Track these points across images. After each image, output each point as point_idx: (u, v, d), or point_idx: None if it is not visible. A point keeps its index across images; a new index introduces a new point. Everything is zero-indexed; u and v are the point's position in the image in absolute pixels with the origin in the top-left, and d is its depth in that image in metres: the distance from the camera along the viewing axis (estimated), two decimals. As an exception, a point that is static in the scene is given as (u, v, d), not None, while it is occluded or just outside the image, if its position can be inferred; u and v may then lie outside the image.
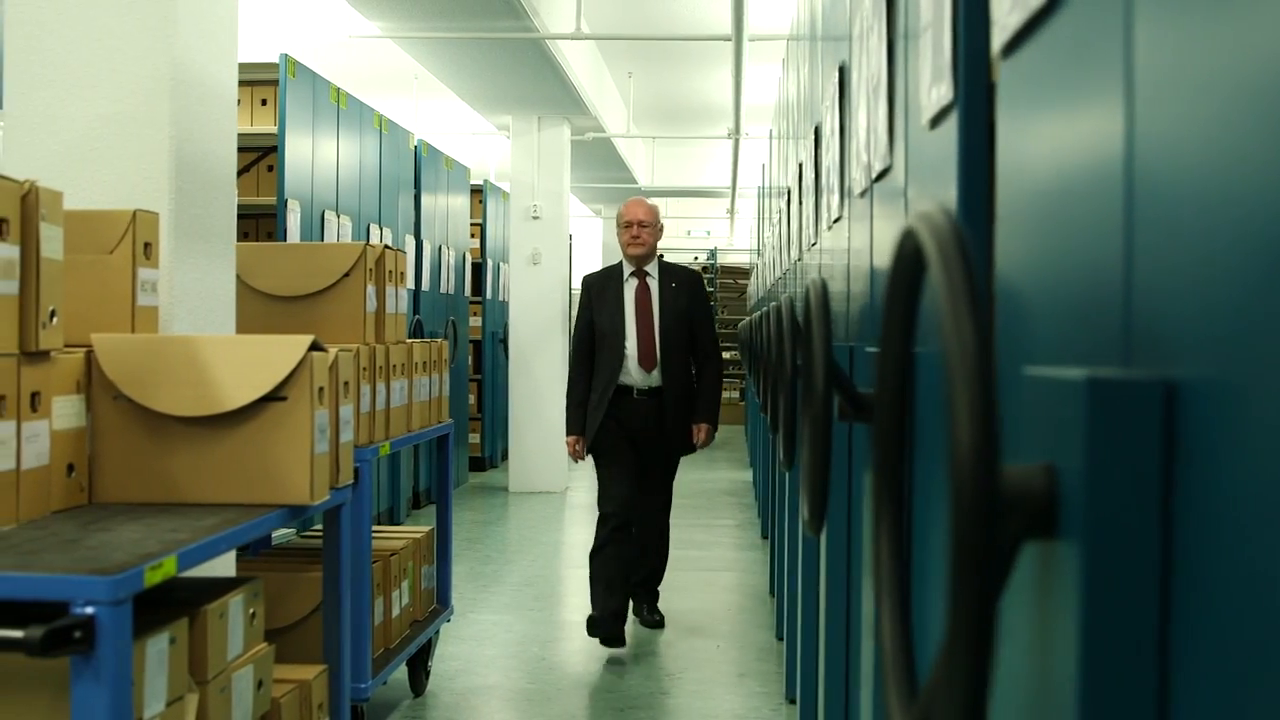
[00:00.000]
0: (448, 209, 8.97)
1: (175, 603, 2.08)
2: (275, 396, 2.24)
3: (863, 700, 1.99)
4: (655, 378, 4.87)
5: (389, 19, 6.24)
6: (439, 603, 4.38)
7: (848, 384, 1.71)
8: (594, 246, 20.06)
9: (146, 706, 1.83)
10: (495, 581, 6.19)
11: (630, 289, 4.96)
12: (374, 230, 7.06)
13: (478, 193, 10.44)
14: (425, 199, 8.34)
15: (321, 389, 2.32)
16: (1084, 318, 0.87)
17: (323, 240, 6.14)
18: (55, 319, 2.11)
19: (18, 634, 1.58)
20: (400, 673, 4.15)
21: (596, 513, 4.98)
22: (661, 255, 5.30)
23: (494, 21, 6.21)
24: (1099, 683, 0.71)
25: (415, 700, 4.17)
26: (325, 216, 6.27)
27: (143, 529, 1.99)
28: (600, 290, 4.99)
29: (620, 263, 5.05)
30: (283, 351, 2.24)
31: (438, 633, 4.36)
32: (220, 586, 2.24)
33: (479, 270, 10.24)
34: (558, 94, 8.40)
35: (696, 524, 8.08)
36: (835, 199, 2.78)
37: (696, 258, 19.41)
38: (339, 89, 6.41)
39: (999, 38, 1.12)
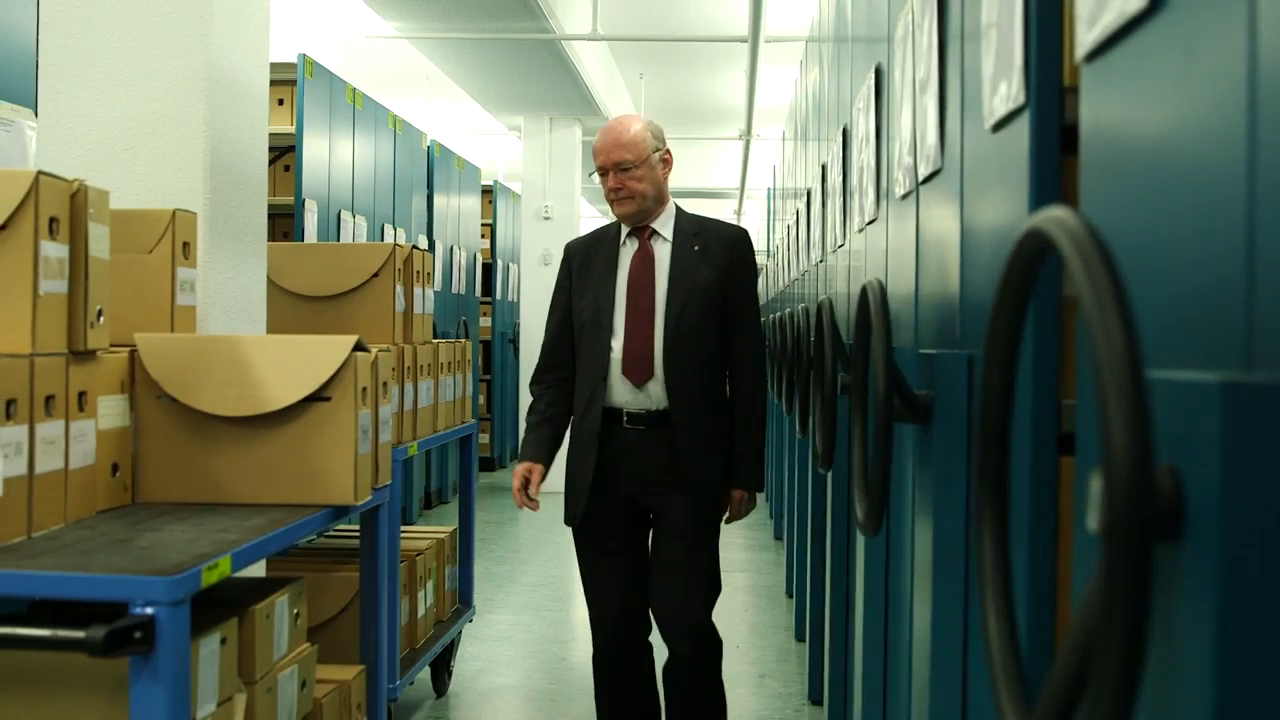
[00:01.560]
0: (459, 209, 8.98)
1: (220, 602, 2.08)
2: (319, 397, 2.24)
3: (913, 702, 1.99)
4: (653, 396, 3.02)
5: (407, 19, 6.24)
6: (461, 603, 4.39)
7: (906, 386, 1.70)
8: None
9: (199, 707, 1.83)
10: (510, 582, 6.19)
11: (626, 256, 3.13)
12: (388, 230, 7.06)
13: (488, 193, 10.45)
14: (437, 199, 8.34)
15: (365, 389, 2.32)
16: (1196, 320, 0.87)
17: (339, 240, 6.15)
18: (102, 318, 2.11)
19: (79, 634, 1.58)
20: (423, 673, 4.15)
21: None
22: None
23: (511, 22, 6.22)
24: (1235, 688, 0.71)
25: (438, 700, 4.17)
26: (341, 217, 6.27)
27: (192, 529, 1.99)
28: (585, 261, 3.16)
29: (618, 220, 3.21)
30: (327, 351, 2.24)
31: (460, 633, 4.36)
32: (264, 586, 2.24)
33: (489, 271, 10.25)
34: (570, 95, 8.41)
35: (708, 525, 8.08)
36: (870, 201, 2.78)
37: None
38: (355, 89, 6.41)
39: (1085, 41, 1.12)
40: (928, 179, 2.00)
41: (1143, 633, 0.63)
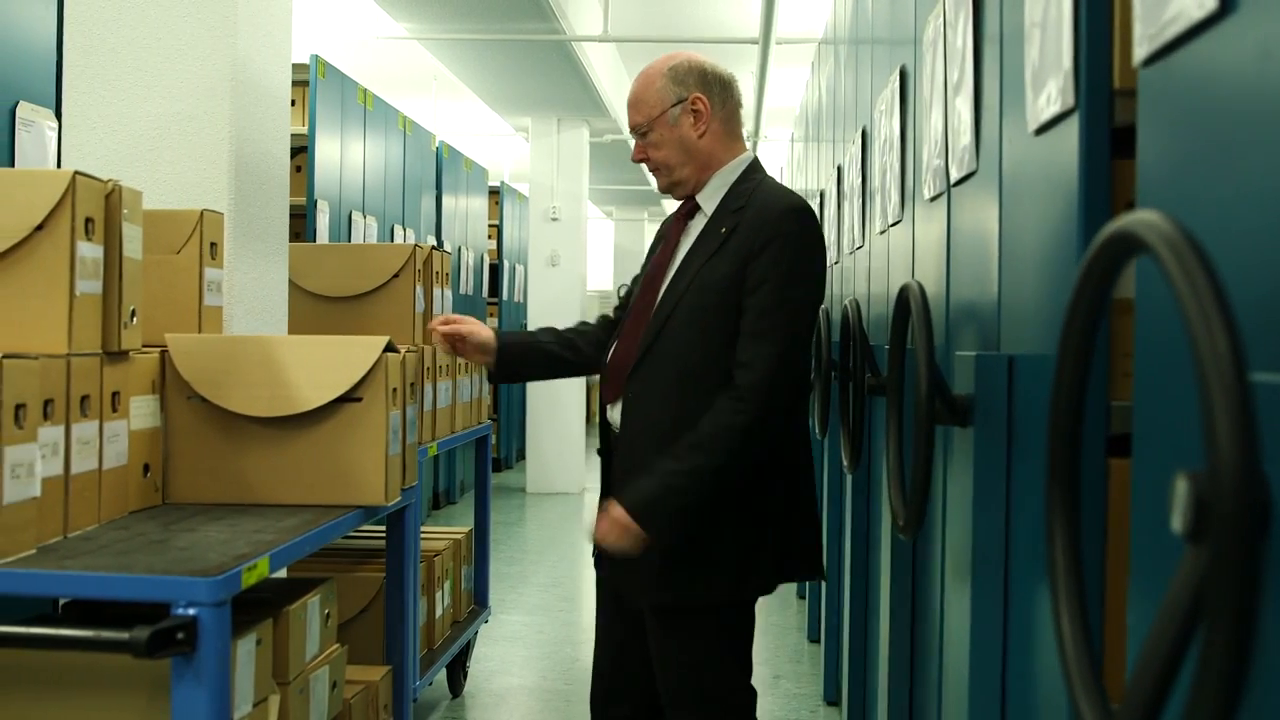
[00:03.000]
0: (467, 210, 8.98)
1: (251, 603, 2.08)
2: (350, 397, 2.24)
3: (944, 702, 1.99)
4: (618, 423, 2.36)
5: (419, 20, 6.24)
6: (477, 603, 4.39)
7: (946, 388, 1.71)
8: (606, 249, 20.03)
9: (236, 708, 1.83)
10: (522, 582, 6.20)
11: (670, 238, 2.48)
12: (398, 231, 7.06)
13: (495, 194, 10.45)
14: (446, 200, 8.34)
15: (395, 390, 2.32)
16: (1276, 322, 0.87)
17: (349, 240, 6.15)
18: (135, 319, 2.11)
19: (124, 635, 1.58)
20: (439, 673, 4.16)
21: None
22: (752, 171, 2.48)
23: (523, 24, 6.22)
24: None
25: (454, 700, 4.18)
26: (352, 217, 6.27)
27: (226, 529, 1.99)
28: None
29: None
30: (358, 352, 2.24)
31: (476, 633, 4.36)
32: (294, 587, 2.24)
33: (495, 271, 10.26)
34: (579, 96, 8.42)
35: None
36: (894, 202, 2.78)
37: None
38: (366, 90, 6.41)
39: (1143, 44, 1.12)
40: (960, 181, 2.00)
41: (1250, 636, 0.64)
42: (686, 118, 2.39)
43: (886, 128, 2.93)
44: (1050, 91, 1.46)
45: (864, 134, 3.53)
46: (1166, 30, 1.06)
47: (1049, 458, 0.96)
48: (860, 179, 3.55)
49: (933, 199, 2.26)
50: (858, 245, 3.61)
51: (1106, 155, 1.36)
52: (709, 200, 2.41)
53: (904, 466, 1.95)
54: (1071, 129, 1.39)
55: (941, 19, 2.16)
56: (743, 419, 2.19)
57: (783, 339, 2.24)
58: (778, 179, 2.58)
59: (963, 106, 1.99)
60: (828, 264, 4.74)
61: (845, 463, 2.62)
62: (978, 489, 1.68)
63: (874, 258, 3.24)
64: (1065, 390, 0.93)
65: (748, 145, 2.75)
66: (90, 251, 1.96)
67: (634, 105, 2.44)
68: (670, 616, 2.28)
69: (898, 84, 2.74)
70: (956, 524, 1.84)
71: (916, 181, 2.47)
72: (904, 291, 1.81)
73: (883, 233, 3.02)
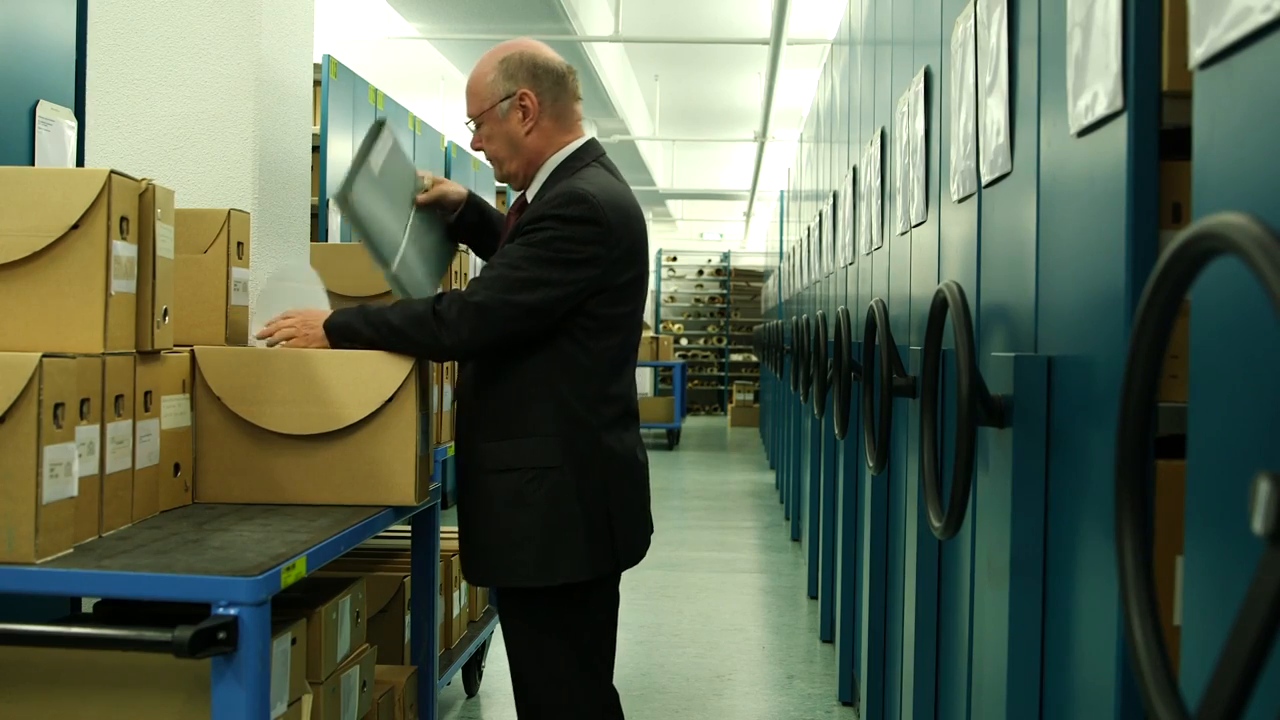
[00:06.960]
0: (475, 210, 8.97)
1: (285, 602, 2.08)
2: (381, 398, 2.23)
3: (974, 702, 1.99)
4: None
5: (430, 20, 6.25)
6: (491, 604, 4.39)
7: (985, 389, 1.71)
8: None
9: (272, 708, 1.83)
10: (532, 583, 6.19)
11: None
12: (408, 231, 7.05)
13: (501, 194, 10.44)
14: (454, 200, 8.33)
15: (425, 391, 2.32)
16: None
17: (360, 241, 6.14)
18: (167, 318, 2.11)
19: (166, 636, 1.59)
20: (455, 673, 4.16)
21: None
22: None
23: (534, 24, 6.23)
24: None
25: (470, 700, 4.18)
26: (364, 217, 6.26)
27: (260, 529, 1.99)
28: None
29: None
30: (391, 364, 2.23)
31: (491, 633, 4.36)
32: (323, 586, 2.24)
33: (502, 271, 10.24)
34: (588, 96, 8.42)
35: (725, 525, 8.10)
36: (917, 203, 2.78)
37: (710, 260, 19.41)
38: (377, 90, 6.41)
39: (1203, 45, 1.12)
40: (993, 182, 2.00)
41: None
42: (515, 113, 2.38)
43: (909, 129, 2.93)
44: (1095, 93, 1.46)
45: (883, 134, 3.54)
46: (1229, 33, 1.06)
47: (1118, 459, 0.96)
48: (879, 180, 3.55)
49: (961, 200, 2.26)
50: (876, 246, 3.61)
51: (1155, 157, 1.36)
52: (533, 194, 2.41)
53: (941, 468, 1.95)
54: (1119, 131, 1.39)
55: (972, 20, 2.16)
56: (437, 339, 2.23)
57: (491, 294, 2.23)
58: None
59: (996, 108, 1.99)
60: (841, 265, 4.73)
61: (870, 464, 2.62)
62: (1016, 490, 1.68)
63: (894, 259, 3.24)
64: (1137, 391, 0.93)
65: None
66: (125, 250, 1.96)
67: (469, 95, 2.44)
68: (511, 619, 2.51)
69: (922, 85, 2.74)
70: (991, 525, 1.84)
71: (943, 182, 2.47)
72: (941, 293, 1.81)
73: (904, 234, 3.02)
